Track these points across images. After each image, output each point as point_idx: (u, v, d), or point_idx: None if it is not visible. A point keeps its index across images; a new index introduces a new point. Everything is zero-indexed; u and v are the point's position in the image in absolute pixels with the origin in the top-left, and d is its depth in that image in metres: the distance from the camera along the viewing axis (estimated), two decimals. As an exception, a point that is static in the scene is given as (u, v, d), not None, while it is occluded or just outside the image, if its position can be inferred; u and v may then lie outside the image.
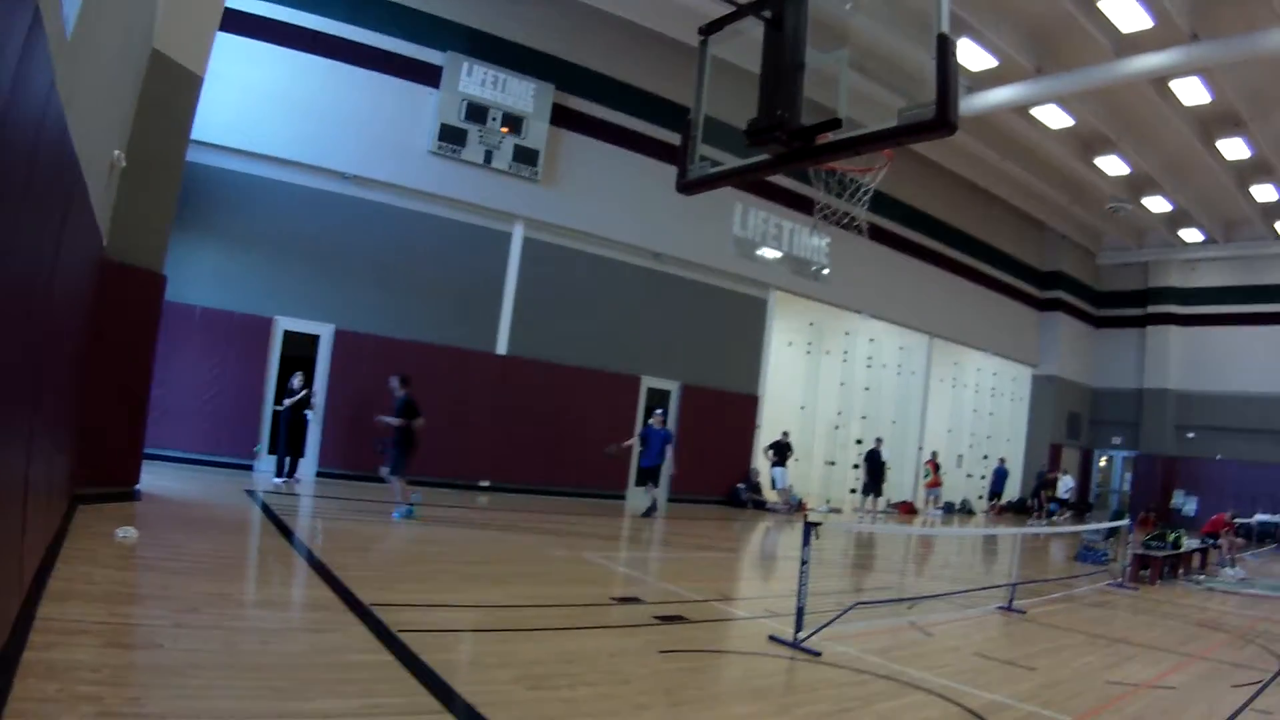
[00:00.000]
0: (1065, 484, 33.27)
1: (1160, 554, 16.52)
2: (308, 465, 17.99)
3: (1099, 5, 19.92)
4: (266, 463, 17.56)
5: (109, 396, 11.66)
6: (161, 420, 15.05)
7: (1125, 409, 39.68)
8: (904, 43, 19.00)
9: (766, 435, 26.01)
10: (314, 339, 18.62)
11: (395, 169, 19.36)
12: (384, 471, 14.91)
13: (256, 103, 17.67)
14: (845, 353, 30.84)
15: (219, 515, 12.47)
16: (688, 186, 7.22)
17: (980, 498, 34.75)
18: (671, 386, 24.09)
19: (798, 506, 25.37)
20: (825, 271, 27.52)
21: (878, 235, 25.36)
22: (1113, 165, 29.51)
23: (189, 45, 12.66)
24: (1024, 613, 11.28)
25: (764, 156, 6.54)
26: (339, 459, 18.38)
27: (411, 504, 14.13)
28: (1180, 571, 17.35)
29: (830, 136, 6.11)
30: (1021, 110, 25.48)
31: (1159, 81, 22.68)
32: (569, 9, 21.35)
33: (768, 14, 6.28)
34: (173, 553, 8.92)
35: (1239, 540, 21.59)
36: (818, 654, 7.78)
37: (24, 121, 4.34)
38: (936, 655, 8.46)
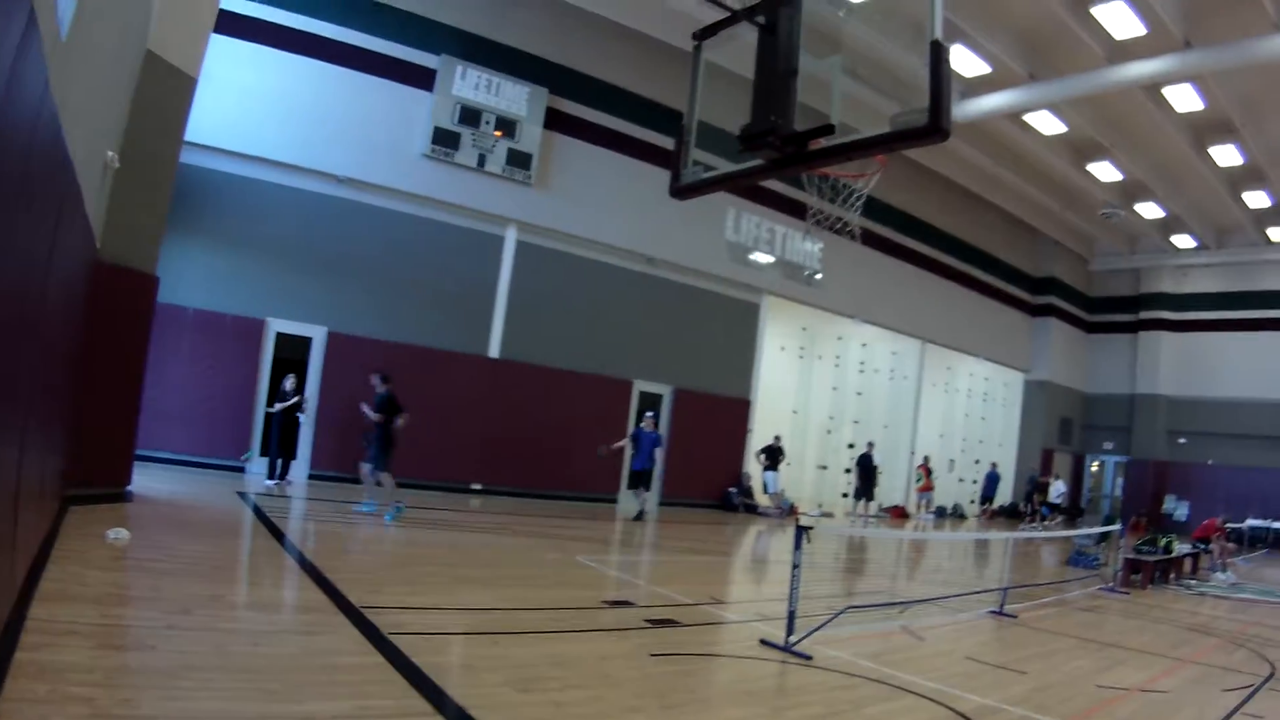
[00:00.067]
0: (1057, 489, 33.33)
1: (1152, 559, 16.56)
2: (299, 467, 17.98)
3: (1092, 12, 19.99)
4: (258, 465, 17.55)
5: (101, 398, 11.64)
6: (153, 421, 15.00)
7: (1117, 414, 39.75)
8: (897, 49, 19.00)
9: (759, 439, 25.99)
10: (306, 341, 18.62)
11: (389, 172, 19.36)
12: (365, 469, 14.95)
13: (250, 105, 17.66)
14: (837, 357, 30.98)
15: (211, 517, 12.45)
16: (681, 191, 7.23)
17: (972, 502, 34.82)
18: (664, 390, 24.11)
19: (789, 510, 25.36)
20: (818, 276, 27.54)
21: (870, 240, 25.40)
22: (1105, 171, 29.60)
23: (183, 47, 12.65)
24: (1015, 617, 11.30)
25: (757, 162, 6.55)
26: (331, 461, 18.36)
27: (394, 508, 14.15)
28: (1172, 576, 17.39)
29: (823, 142, 6.12)
30: (1014, 116, 25.55)
31: (1152, 88, 22.75)
32: (563, 13, 21.37)
33: (762, 20, 6.30)
34: (164, 554, 8.91)
35: (1230, 545, 21.67)
36: (809, 658, 7.79)
37: (19, 123, 4.35)
38: (928, 659, 8.46)
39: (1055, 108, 24.91)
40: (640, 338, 23.52)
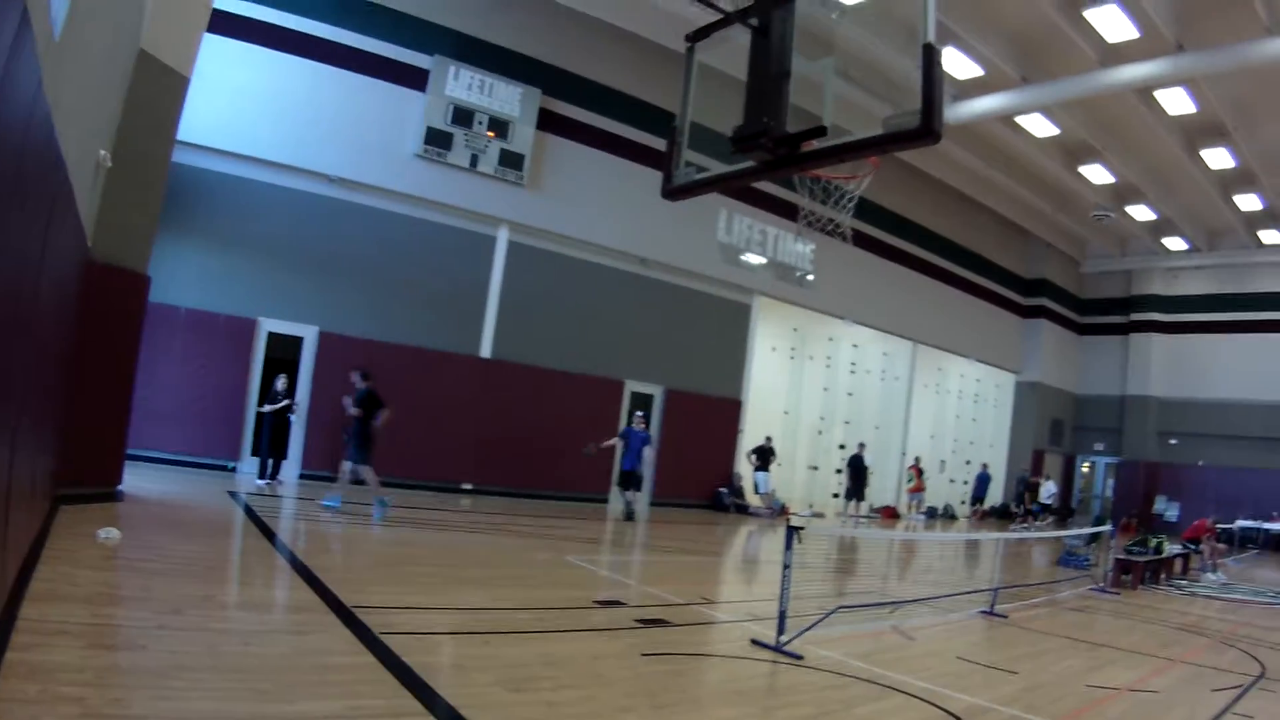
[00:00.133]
0: (1048, 489, 33.43)
1: (1142, 559, 16.60)
2: (290, 467, 17.97)
3: (1085, 15, 19.99)
4: (249, 464, 17.55)
5: (93, 397, 11.63)
6: (145, 421, 15.00)
7: (1108, 415, 39.86)
8: (890, 51, 19.12)
9: (750, 440, 26.03)
10: (298, 341, 18.61)
11: (381, 172, 19.35)
12: (345, 465, 14.99)
13: (243, 105, 17.65)
14: (829, 358, 30.99)
15: (202, 517, 12.43)
16: (673, 192, 7.24)
17: (963, 503, 34.86)
18: (655, 391, 24.12)
19: (780, 511, 25.38)
20: (809, 277, 27.57)
21: (862, 242, 25.46)
22: (1097, 174, 29.64)
23: (176, 46, 12.63)
24: (1006, 617, 11.33)
25: (749, 163, 6.57)
26: (322, 461, 18.32)
27: (381, 502, 14.19)
28: (1162, 576, 17.43)
29: (815, 144, 6.14)
30: (1007, 119, 25.60)
31: (1144, 91, 22.78)
32: (556, 14, 21.36)
33: (755, 22, 6.32)
34: (155, 554, 8.90)
35: (1220, 546, 21.71)
36: (800, 657, 7.81)
37: (12, 122, 4.35)
38: (918, 659, 8.49)
39: (1047, 110, 24.94)
40: (632, 338, 23.54)
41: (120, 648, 5.78)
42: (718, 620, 9.71)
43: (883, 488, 31.10)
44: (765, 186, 24.30)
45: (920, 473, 30.45)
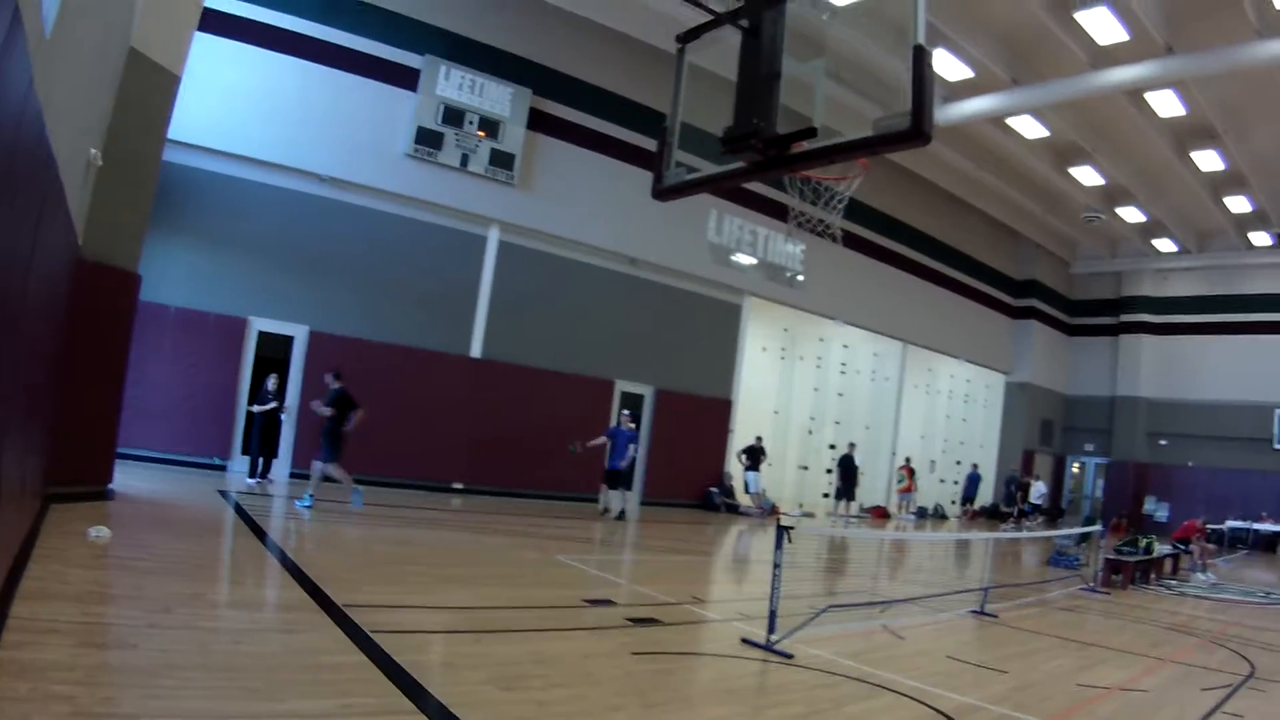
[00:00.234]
0: (1038, 490, 33.51)
1: (1132, 559, 16.63)
2: (281, 466, 17.95)
3: (1075, 18, 20.04)
4: (239, 463, 17.54)
5: (83, 396, 11.61)
6: (135, 420, 14.99)
7: (1098, 416, 39.97)
8: (881, 53, 19.04)
9: (740, 439, 26.08)
10: (288, 340, 18.60)
11: (372, 171, 19.34)
12: (315, 465, 15.02)
13: (234, 103, 17.63)
14: (819, 358, 31.04)
15: (192, 515, 12.42)
16: (663, 193, 7.26)
17: (953, 503, 34.93)
18: (645, 391, 24.15)
19: (771, 510, 25.41)
20: (800, 278, 27.61)
21: (852, 243, 25.44)
22: (1087, 176, 29.75)
23: (167, 45, 12.63)
24: (996, 617, 11.36)
25: (740, 164, 6.59)
26: (312, 460, 18.32)
27: (358, 489, 14.34)
28: (1152, 577, 17.46)
29: (806, 145, 6.16)
30: (997, 120, 25.68)
31: (1134, 94, 22.86)
32: (547, 14, 21.34)
33: (745, 23, 6.33)
34: (146, 552, 8.89)
35: (1210, 546, 21.77)
36: (790, 656, 7.82)
37: (3, 120, 4.35)
38: (908, 658, 8.51)
39: (1038, 112, 25.01)
40: (622, 338, 23.56)
41: (111, 646, 5.78)
42: (708, 619, 9.72)
43: (873, 488, 31.13)
44: (755, 187, 24.29)
45: (912, 473, 30.50)
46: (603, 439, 19.40)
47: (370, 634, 6.78)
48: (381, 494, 17.53)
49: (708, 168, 7.07)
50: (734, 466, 25.91)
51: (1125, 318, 39.42)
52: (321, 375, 15.81)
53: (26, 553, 7.64)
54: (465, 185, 20.42)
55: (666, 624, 8.90)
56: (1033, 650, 9.56)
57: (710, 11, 6.74)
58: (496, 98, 20.65)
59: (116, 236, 12.26)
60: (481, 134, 20.46)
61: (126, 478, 13.44)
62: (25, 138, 5.14)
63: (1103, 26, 20.13)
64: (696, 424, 25.24)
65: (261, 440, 16.92)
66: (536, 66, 21.49)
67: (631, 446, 19.72)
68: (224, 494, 14.70)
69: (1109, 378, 39.77)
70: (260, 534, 11.62)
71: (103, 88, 10.72)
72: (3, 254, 4.92)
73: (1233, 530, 32.21)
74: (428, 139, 19.79)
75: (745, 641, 8.27)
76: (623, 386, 23.57)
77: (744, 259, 26.09)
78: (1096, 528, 18.08)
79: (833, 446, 30.24)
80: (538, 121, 21.54)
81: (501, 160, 20.73)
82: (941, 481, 35.64)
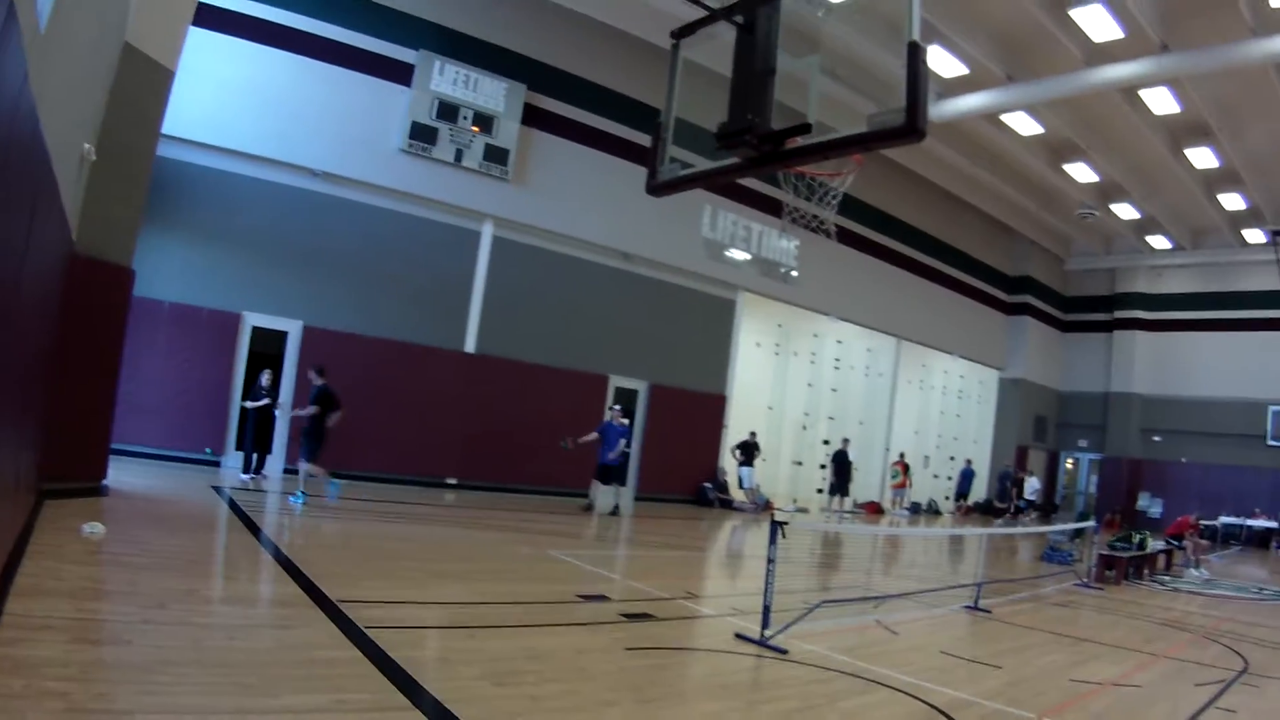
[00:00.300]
0: (1031, 485, 33.58)
1: (1125, 555, 16.68)
2: (274, 462, 17.93)
3: (1070, 15, 20.07)
4: (233, 459, 17.52)
5: (76, 391, 11.59)
6: (129, 415, 14.97)
7: (1092, 412, 40.03)
8: (875, 49, 19.15)
9: (734, 435, 26.09)
10: (282, 335, 18.58)
11: (366, 166, 19.31)
12: (302, 464, 15.03)
13: (228, 98, 17.59)
14: (813, 354, 31.05)
15: (186, 511, 12.42)
16: (658, 188, 7.26)
17: (947, 498, 34.98)
18: (639, 386, 24.15)
19: (764, 506, 25.43)
20: (794, 274, 27.62)
21: (846, 239, 25.50)
22: (1082, 172, 29.79)
23: (161, 39, 12.60)
24: (989, 612, 11.38)
25: (734, 159, 6.59)
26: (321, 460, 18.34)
27: (327, 493, 14.27)
28: (1145, 572, 17.50)
29: (800, 141, 6.17)
30: (992, 117, 25.68)
31: (1129, 91, 22.88)
32: (541, 9, 21.35)
33: (740, 19, 6.33)
34: (140, 549, 8.89)
35: (1203, 542, 21.84)
36: (784, 652, 7.84)
37: (-4, 115, 4.35)
38: (902, 653, 8.53)
39: (1032, 109, 25.03)
40: (616, 333, 23.56)
41: (105, 643, 5.78)
42: (702, 615, 9.74)
43: (867, 483, 31.16)
44: (750, 183, 24.36)
45: (906, 469, 30.53)
46: (594, 435, 19.38)
47: (364, 629, 6.78)
48: (375, 489, 17.53)
49: (702, 163, 7.07)
50: (728, 462, 25.93)
51: (1119, 314, 39.48)
52: (327, 371, 15.80)
53: (20, 549, 7.63)
54: (459, 180, 20.40)
55: (660, 619, 8.91)
56: (1026, 645, 9.58)
57: (705, 7, 6.74)
58: (491, 93, 20.63)
59: (110, 231, 12.24)
60: (476, 129, 20.43)
61: (120, 473, 13.43)
62: (19, 132, 5.13)
63: (1098, 23, 20.16)
64: (690, 419, 25.24)
65: (255, 436, 16.90)
66: (531, 62, 21.47)
67: (622, 440, 19.68)
68: (218, 490, 14.68)
69: (1103, 374, 39.84)
70: (254, 529, 11.62)
71: (97, 82, 10.70)
72: (-4, 249, 4.92)
73: (1226, 526, 32.33)
74: (422, 134, 19.76)
75: (739, 637, 8.28)
76: (616, 382, 23.56)
77: (738, 254, 26.09)
78: (1090, 523, 18.13)
79: (826, 442, 30.29)
80: (532, 117, 21.52)
81: (496, 155, 20.71)
82: (935, 477, 35.69)
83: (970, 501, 33.89)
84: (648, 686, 6.55)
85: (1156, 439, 38.10)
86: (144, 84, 12.47)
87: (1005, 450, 37.43)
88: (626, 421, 20.24)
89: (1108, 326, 39.88)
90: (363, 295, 19.33)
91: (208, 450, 17.59)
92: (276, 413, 17.34)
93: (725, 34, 6.46)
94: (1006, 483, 33.52)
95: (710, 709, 6.21)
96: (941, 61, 22.48)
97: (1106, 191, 31.65)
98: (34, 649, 5.19)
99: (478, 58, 20.53)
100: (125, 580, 7.51)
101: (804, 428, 30.96)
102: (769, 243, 26.77)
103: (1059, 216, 34.77)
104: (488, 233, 21.07)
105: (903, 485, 30.48)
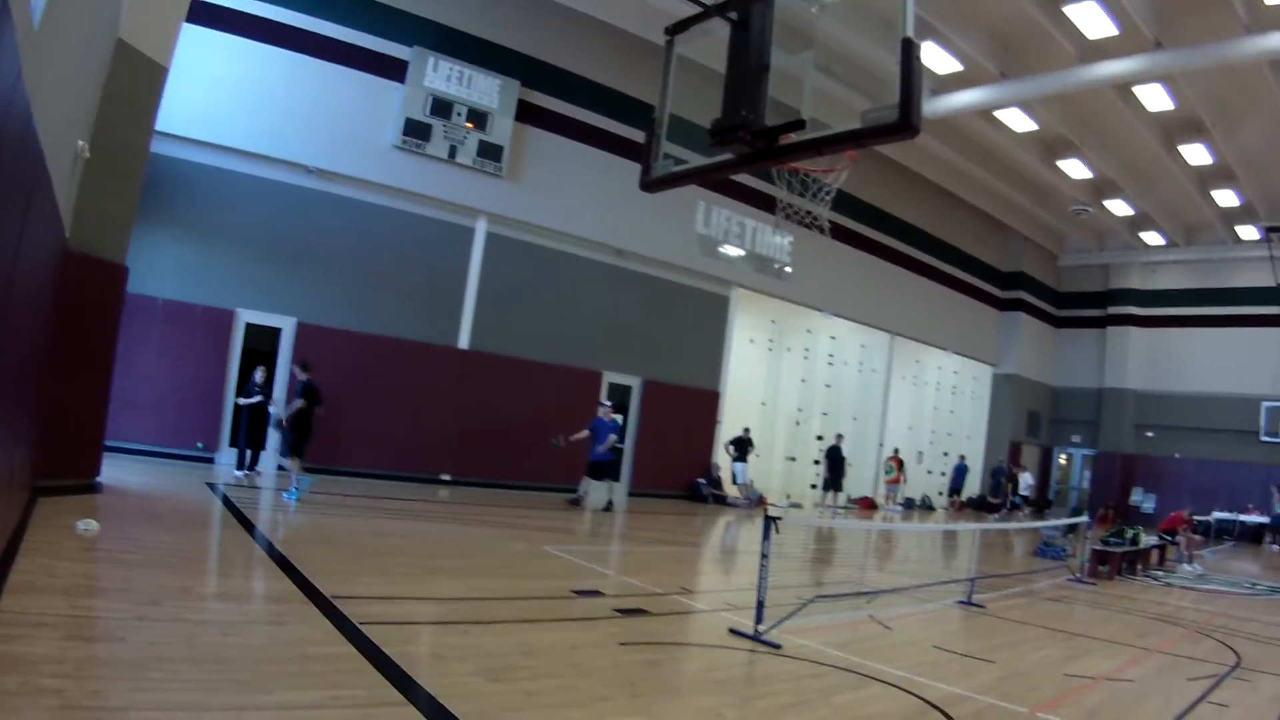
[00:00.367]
0: (1025, 481, 33.66)
1: (1119, 550, 16.72)
2: (269, 458, 17.91)
3: (1064, 11, 20.10)
4: (227, 455, 17.51)
5: (70, 388, 11.57)
6: (123, 412, 14.93)
7: (1085, 408, 40.10)
8: (869, 46, 19.13)
9: (728, 430, 26.11)
10: (276, 332, 18.56)
11: (360, 163, 19.29)
12: (291, 460, 15.06)
13: (221, 95, 17.56)
14: (807, 350, 31.09)
15: (180, 508, 12.40)
16: (651, 185, 7.27)
17: (940, 494, 35.04)
18: (633, 382, 24.16)
19: (758, 501, 25.47)
20: (787, 270, 27.62)
21: (840, 235, 25.52)
22: (1075, 169, 29.81)
23: (155, 36, 12.57)
24: (983, 607, 11.41)
25: (728, 156, 6.61)
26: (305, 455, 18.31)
27: (298, 488, 14.24)
28: (1138, 567, 17.55)
29: (794, 137, 6.18)
30: (985, 113, 25.67)
31: (1123, 87, 22.92)
32: (535, 6, 21.35)
33: (734, 15, 6.34)
34: (134, 545, 8.88)
35: (1197, 537, 21.91)
36: (778, 646, 7.86)
37: (-10, 112, 4.35)
38: (896, 648, 8.55)
39: (1026, 105, 25.05)
40: (610, 329, 23.57)
41: (99, 639, 5.78)
42: (696, 610, 9.76)
43: (860, 479, 31.19)
44: (743, 179, 24.32)
45: (901, 464, 30.58)
46: (585, 433, 19.35)
47: (358, 625, 6.79)
48: (369, 485, 17.55)
49: (696, 159, 7.08)
50: (722, 458, 25.96)
51: (1113, 310, 39.53)
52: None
53: (15, 546, 7.63)
54: (453, 177, 20.39)
55: (654, 614, 8.94)
56: (1020, 640, 9.61)
57: (699, 4, 6.74)
58: (485, 89, 20.61)
59: (104, 228, 12.22)
60: (470, 125, 20.42)
61: (114, 470, 13.39)
62: (13, 129, 5.12)
63: (1092, 20, 20.19)
64: (684, 415, 25.25)
65: (249, 432, 16.90)
66: (525, 58, 21.45)
67: (612, 435, 19.63)
68: (212, 486, 14.67)
69: (1096, 370, 39.90)
70: (248, 526, 11.60)
71: (90, 79, 10.69)
72: (-10, 246, 4.92)
73: (1219, 522, 32.41)
74: (416, 130, 19.75)
75: (733, 632, 8.31)
76: (610, 378, 23.57)
77: (732, 250, 26.09)
78: (1083, 519, 18.16)
79: (820, 438, 30.32)
80: (526, 113, 21.51)
81: (489, 152, 20.70)
82: (929, 473, 35.73)
83: (964, 497, 33.95)
84: (642, 681, 6.56)
85: (1150, 435, 38.16)
86: (138, 80, 12.44)
87: (999, 446, 37.47)
88: (618, 418, 20.21)
89: (1101, 322, 39.94)
90: (356, 292, 19.32)
91: (199, 445, 17.58)
92: (271, 410, 17.32)
93: (719, 30, 6.47)
94: (1000, 478, 33.53)
95: (704, 704, 6.22)
96: (935, 58, 22.47)
97: (1100, 188, 31.70)
98: (29, 646, 5.19)
99: (472, 54, 20.51)
100: (119, 577, 7.50)
101: (797, 423, 31.00)
102: (763, 239, 26.77)
103: (1053, 213, 34.82)
104: (481, 229, 21.06)
105: (897, 481, 30.54)
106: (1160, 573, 17.98)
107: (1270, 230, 31.15)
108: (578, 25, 21.98)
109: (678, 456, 25.02)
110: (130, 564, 8.02)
